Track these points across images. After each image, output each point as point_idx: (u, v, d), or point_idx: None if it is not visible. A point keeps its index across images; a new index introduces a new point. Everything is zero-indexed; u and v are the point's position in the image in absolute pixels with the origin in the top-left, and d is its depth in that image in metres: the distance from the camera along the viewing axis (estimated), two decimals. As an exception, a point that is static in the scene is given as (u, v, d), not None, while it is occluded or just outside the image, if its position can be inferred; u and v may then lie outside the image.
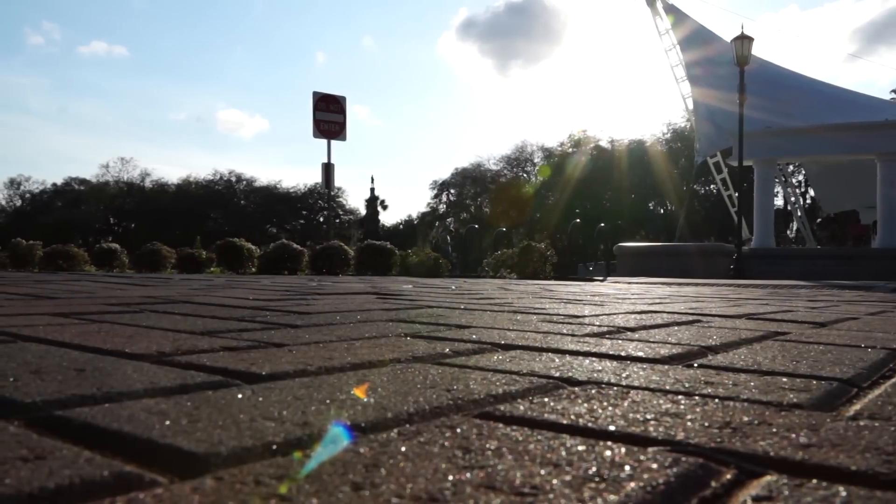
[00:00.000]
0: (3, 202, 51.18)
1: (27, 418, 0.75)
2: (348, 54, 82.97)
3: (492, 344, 1.49)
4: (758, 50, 18.20)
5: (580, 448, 0.68)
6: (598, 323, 2.06)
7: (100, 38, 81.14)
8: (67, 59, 74.18)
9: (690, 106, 26.99)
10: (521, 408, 0.85)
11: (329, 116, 13.41)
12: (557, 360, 1.26)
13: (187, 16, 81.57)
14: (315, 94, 13.31)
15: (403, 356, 1.28)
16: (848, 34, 72.48)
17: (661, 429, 0.76)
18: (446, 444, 0.68)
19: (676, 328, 1.95)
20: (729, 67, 18.36)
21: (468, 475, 0.58)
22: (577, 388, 1.00)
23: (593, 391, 0.98)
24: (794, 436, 0.73)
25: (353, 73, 79.33)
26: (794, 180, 34.64)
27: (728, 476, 0.60)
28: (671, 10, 26.18)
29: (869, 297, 4.46)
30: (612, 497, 0.54)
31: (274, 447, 0.66)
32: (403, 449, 0.66)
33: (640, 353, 1.38)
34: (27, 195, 50.65)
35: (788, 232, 34.54)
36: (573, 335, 1.70)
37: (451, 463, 0.62)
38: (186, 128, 77.23)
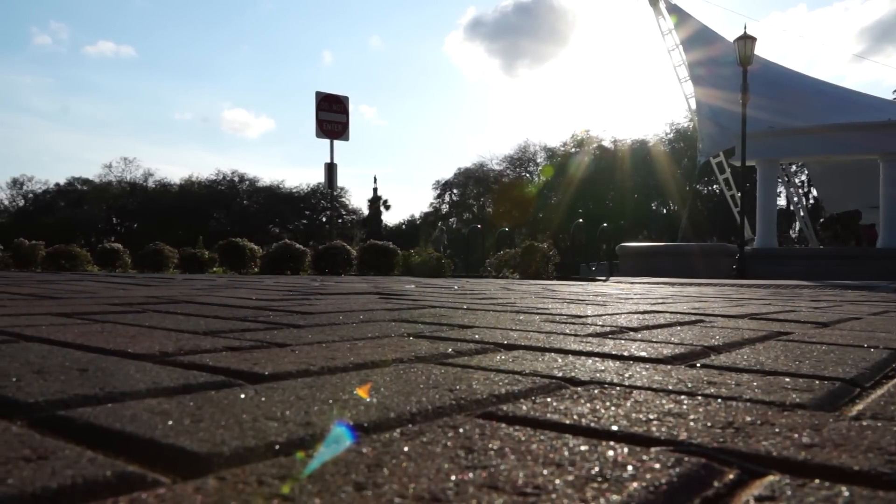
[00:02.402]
0: (6, 202, 51.25)
1: (30, 418, 0.76)
2: (355, 54, 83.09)
3: (494, 344, 1.49)
4: (763, 50, 18.21)
5: (583, 448, 0.67)
6: (600, 323, 2.06)
7: (107, 38, 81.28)
8: (72, 58, 74.31)
9: (693, 106, 26.98)
10: (524, 408, 0.85)
11: (332, 116, 13.42)
12: (560, 360, 1.26)
13: (195, 16, 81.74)
14: (318, 93, 13.34)
15: (406, 356, 1.28)
16: (856, 33, 72.48)
17: (663, 429, 0.76)
18: (449, 444, 0.68)
19: (679, 328, 1.94)
20: (732, 67, 18.34)
21: (471, 475, 0.58)
22: (579, 388, 0.99)
23: (596, 391, 0.98)
24: (796, 436, 0.73)
25: (360, 73, 79.46)
26: (796, 180, 34.60)
27: (730, 476, 0.60)
28: (674, 10, 26.18)
29: (872, 298, 4.45)
30: (615, 497, 0.54)
31: (276, 447, 0.66)
32: (406, 449, 0.66)
33: (643, 353, 1.38)
34: (30, 195, 50.70)
35: (791, 232, 34.46)
36: (576, 335, 1.70)
37: (453, 463, 0.62)
38: (191, 127, 77.36)
